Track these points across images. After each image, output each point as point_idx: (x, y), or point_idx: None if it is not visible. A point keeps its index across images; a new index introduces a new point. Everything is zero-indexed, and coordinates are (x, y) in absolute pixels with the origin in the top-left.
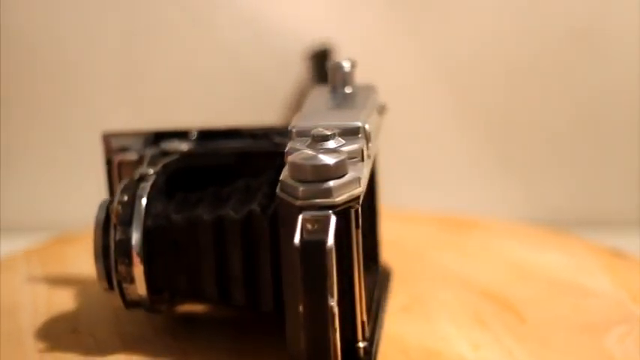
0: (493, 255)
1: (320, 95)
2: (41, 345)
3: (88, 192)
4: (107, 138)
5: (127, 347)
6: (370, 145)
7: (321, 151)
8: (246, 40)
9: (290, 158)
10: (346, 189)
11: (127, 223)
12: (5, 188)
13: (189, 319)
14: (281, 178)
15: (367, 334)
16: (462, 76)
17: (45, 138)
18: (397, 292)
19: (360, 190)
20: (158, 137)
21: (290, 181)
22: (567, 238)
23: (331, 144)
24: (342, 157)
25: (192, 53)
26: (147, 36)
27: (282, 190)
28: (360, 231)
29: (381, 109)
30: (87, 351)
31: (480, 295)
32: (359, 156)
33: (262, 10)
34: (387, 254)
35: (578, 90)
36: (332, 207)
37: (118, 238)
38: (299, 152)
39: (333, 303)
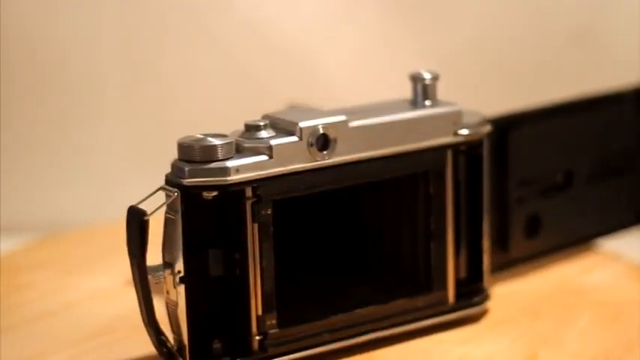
0: None
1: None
2: (41, 345)
3: (88, 192)
4: None
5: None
6: (312, 148)
7: (217, 137)
8: (245, 41)
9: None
10: (205, 174)
11: None
12: (5, 188)
13: None
14: None
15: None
16: (462, 77)
17: (45, 138)
18: None
19: (217, 179)
20: None
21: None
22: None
23: (264, 133)
24: (215, 142)
25: (192, 53)
26: (147, 36)
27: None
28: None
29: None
30: (87, 350)
31: None
32: (269, 152)
33: (262, 11)
34: None
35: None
36: (178, 186)
37: None
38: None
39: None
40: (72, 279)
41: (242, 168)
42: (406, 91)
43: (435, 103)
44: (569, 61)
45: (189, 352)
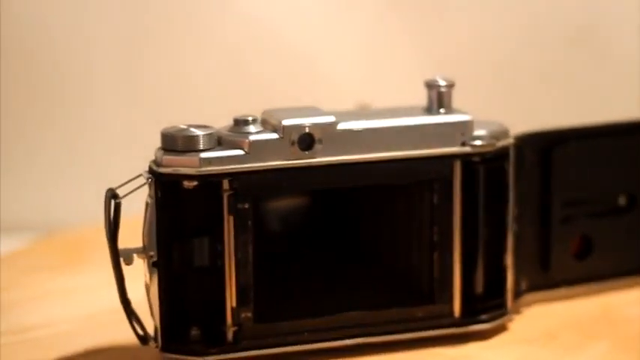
0: None
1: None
2: (41, 345)
3: (88, 192)
4: None
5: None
6: (294, 146)
7: (200, 128)
8: (246, 41)
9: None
10: (178, 164)
11: None
12: (5, 188)
13: None
14: None
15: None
16: (461, 78)
17: (45, 138)
18: None
19: (189, 168)
20: None
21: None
22: None
23: (251, 128)
24: (192, 133)
25: (191, 53)
26: (147, 37)
27: None
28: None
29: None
30: (87, 350)
31: None
32: (245, 147)
33: (262, 11)
34: None
35: (577, 91)
36: (154, 173)
37: None
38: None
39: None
40: (72, 279)
41: (215, 160)
42: (408, 90)
43: (449, 111)
44: (569, 62)
45: (161, 336)
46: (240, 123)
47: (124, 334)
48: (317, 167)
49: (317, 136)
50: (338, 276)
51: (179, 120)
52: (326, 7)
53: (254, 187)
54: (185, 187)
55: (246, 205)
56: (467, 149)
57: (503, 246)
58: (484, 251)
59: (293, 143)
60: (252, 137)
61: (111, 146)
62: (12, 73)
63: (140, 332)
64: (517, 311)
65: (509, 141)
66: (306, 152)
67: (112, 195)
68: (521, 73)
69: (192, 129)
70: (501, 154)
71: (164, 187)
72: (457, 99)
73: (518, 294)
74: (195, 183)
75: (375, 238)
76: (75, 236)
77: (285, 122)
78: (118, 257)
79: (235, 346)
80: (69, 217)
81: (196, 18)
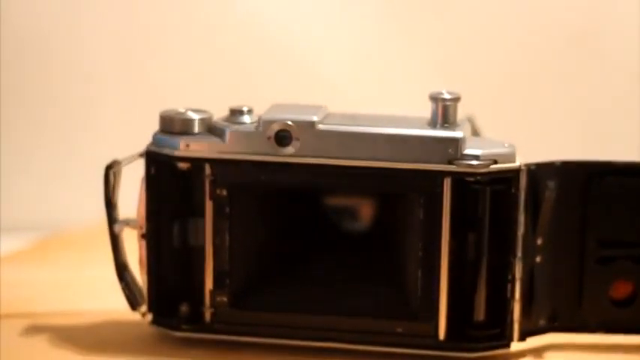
0: None
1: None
2: (41, 345)
3: (88, 192)
4: None
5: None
6: (270, 141)
7: (197, 112)
8: (246, 41)
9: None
10: (161, 144)
11: None
12: (5, 188)
13: None
14: None
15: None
16: (461, 78)
17: (45, 138)
18: None
19: (168, 150)
20: None
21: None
22: None
23: (246, 118)
24: (179, 117)
25: (191, 53)
26: (146, 39)
27: None
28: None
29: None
30: (87, 349)
31: None
32: (225, 136)
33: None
34: None
35: (577, 91)
36: (147, 151)
37: None
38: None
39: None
40: (72, 279)
41: (193, 145)
42: (407, 92)
43: (451, 126)
44: (569, 64)
45: (149, 306)
46: (235, 113)
47: (123, 334)
48: (292, 165)
49: (294, 133)
50: (321, 277)
51: None
52: (328, 7)
53: (231, 175)
54: (181, 168)
55: (224, 192)
56: (455, 167)
57: (505, 274)
58: (481, 277)
59: (269, 138)
60: (232, 128)
61: (111, 146)
62: (12, 72)
63: (131, 298)
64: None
65: (514, 165)
66: (283, 149)
67: (110, 165)
68: (524, 76)
69: (189, 112)
70: (506, 177)
71: (154, 165)
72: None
73: (535, 330)
74: (188, 165)
75: (365, 243)
76: (75, 236)
77: (265, 116)
78: (112, 223)
79: (210, 327)
80: (69, 217)
81: (196, 18)
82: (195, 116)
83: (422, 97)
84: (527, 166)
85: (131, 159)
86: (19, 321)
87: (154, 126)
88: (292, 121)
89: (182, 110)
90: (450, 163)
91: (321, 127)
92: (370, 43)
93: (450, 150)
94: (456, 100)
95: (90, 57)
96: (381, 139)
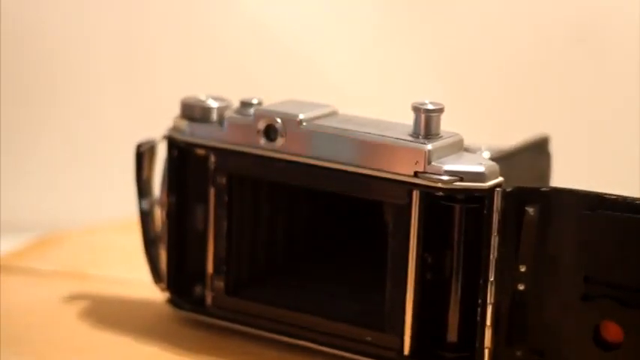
0: None
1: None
2: (41, 345)
3: (88, 192)
4: None
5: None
6: (260, 135)
7: (217, 100)
8: (245, 41)
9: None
10: (173, 129)
11: None
12: (5, 188)
13: None
14: None
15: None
16: (461, 78)
17: (45, 138)
18: None
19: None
20: None
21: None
22: None
23: (251, 110)
24: (194, 103)
25: (191, 53)
26: (147, 39)
27: None
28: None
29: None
30: (87, 350)
31: None
32: (225, 126)
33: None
34: None
35: (577, 92)
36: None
37: None
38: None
39: (146, 206)
40: (72, 279)
41: (196, 132)
42: (406, 93)
43: (431, 137)
44: (568, 63)
45: (167, 281)
46: (245, 104)
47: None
48: (277, 160)
49: (280, 129)
50: (309, 276)
51: None
52: (328, 7)
53: (228, 164)
54: (198, 154)
55: (224, 180)
56: (420, 180)
57: (475, 298)
58: (452, 297)
59: (259, 132)
60: (230, 118)
61: (111, 146)
62: (12, 72)
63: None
64: None
65: (482, 185)
66: (271, 143)
67: (140, 144)
68: (525, 74)
69: (209, 100)
70: (480, 196)
71: (174, 149)
72: (459, 100)
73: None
74: (199, 151)
75: (355, 245)
76: (75, 236)
77: (258, 110)
78: (140, 198)
79: (209, 310)
80: (69, 217)
81: (197, 18)
82: (215, 104)
83: (423, 97)
84: (505, 187)
85: (155, 142)
86: (19, 321)
87: (155, 126)
88: (280, 117)
89: (203, 98)
90: (415, 175)
91: (304, 125)
92: (372, 43)
93: (416, 162)
94: (439, 111)
95: (90, 57)
96: (353, 144)
